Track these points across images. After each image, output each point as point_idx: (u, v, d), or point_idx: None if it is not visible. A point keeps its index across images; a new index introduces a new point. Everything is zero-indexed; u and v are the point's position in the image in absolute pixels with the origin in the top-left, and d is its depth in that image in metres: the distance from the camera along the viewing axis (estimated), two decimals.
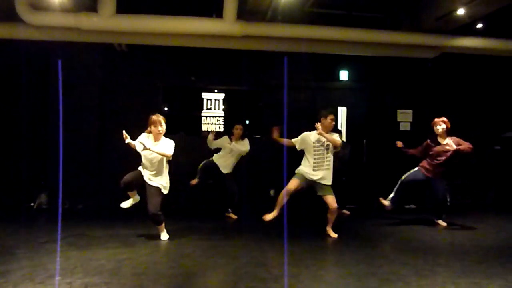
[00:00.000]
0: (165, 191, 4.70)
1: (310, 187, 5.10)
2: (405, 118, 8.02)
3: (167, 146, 4.61)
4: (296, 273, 3.57)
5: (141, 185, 4.69)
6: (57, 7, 5.46)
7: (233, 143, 6.18)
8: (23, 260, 3.84)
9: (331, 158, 5.08)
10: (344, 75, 7.95)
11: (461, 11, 5.95)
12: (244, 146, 6.18)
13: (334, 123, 5.22)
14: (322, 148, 5.05)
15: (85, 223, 5.62)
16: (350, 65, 7.88)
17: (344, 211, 6.64)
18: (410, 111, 8.03)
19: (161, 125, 4.60)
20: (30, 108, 6.94)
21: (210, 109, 7.53)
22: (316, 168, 5.01)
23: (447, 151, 5.70)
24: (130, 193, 4.83)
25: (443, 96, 8.10)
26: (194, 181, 6.18)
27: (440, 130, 5.79)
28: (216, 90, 7.57)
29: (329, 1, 6.65)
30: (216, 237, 4.95)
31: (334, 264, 4.13)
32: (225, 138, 6.29)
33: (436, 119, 5.88)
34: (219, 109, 7.56)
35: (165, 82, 7.43)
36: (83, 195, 6.83)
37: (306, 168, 5.06)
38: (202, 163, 6.24)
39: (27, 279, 3.30)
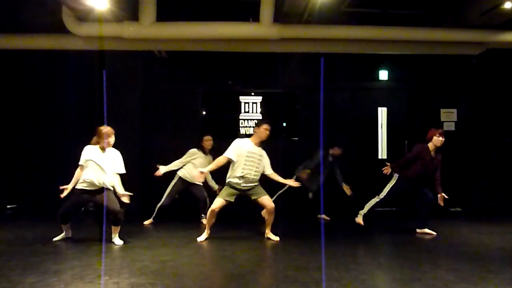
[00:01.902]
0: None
1: (241, 196, 4.98)
2: (449, 117, 7.72)
3: (118, 160, 4.83)
4: (338, 277, 3.52)
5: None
6: (101, 18, 5.70)
7: (207, 156, 6.00)
8: (73, 260, 4.02)
9: (260, 170, 4.96)
10: (383, 74, 7.77)
11: (508, 5, 5.68)
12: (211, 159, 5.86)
13: (268, 133, 5.00)
14: (255, 159, 4.90)
15: (128, 225, 5.80)
16: (390, 65, 7.70)
17: (324, 216, 6.52)
18: (455, 111, 7.73)
19: (109, 136, 4.77)
20: (76, 115, 7.28)
21: (248, 112, 7.60)
22: (245, 179, 4.87)
23: (437, 166, 5.28)
24: (64, 226, 4.85)
25: (488, 94, 7.74)
26: (148, 222, 5.99)
27: (441, 142, 5.27)
28: (253, 93, 7.62)
29: (366, 0, 6.55)
30: (255, 240, 4.97)
31: (377, 268, 4.03)
32: (194, 151, 6.01)
33: (437, 130, 5.34)
34: (256, 112, 7.61)
35: (204, 86, 7.58)
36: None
37: (234, 179, 4.90)
38: (166, 199, 5.99)
39: (77, 278, 3.46)
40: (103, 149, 4.79)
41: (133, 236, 5.08)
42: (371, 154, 7.67)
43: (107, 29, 5.88)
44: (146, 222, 5.98)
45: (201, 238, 4.93)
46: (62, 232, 4.90)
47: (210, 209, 4.90)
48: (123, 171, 4.85)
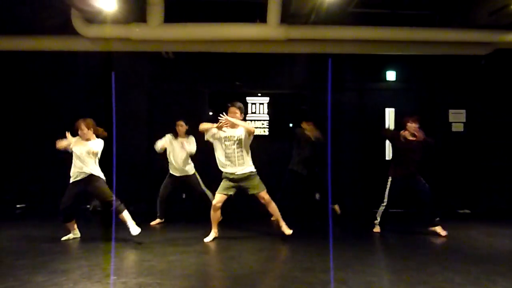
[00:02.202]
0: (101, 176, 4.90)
1: (239, 190, 4.92)
2: (457, 118, 7.65)
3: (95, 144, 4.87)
4: (345, 279, 3.51)
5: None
6: (109, 19, 5.75)
7: (179, 139, 5.92)
8: (81, 259, 4.06)
9: (242, 153, 4.85)
10: (391, 75, 7.73)
11: None
12: (191, 144, 5.86)
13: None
14: (232, 142, 4.83)
15: (136, 225, 5.83)
16: (397, 65, 7.65)
17: (336, 207, 6.54)
18: (463, 111, 7.66)
19: (80, 128, 4.89)
20: (84, 116, 7.31)
21: (255, 113, 7.60)
22: (229, 165, 4.83)
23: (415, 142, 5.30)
24: (68, 225, 4.95)
25: (497, 94, 7.67)
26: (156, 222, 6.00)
27: (413, 128, 5.33)
28: (260, 94, 7.63)
29: (373, 0, 6.51)
30: (262, 241, 4.97)
31: (384, 270, 4.01)
32: (168, 136, 5.97)
33: (410, 117, 5.43)
34: (264, 113, 7.61)
35: (211, 87, 7.60)
36: (133, 199, 7.11)
37: (222, 169, 4.88)
38: (161, 195, 6.01)
39: (85, 278, 3.49)
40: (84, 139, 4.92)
41: (140, 236, 5.10)
42: (378, 155, 7.63)
43: (115, 30, 5.93)
44: (153, 223, 6.00)
45: (208, 238, 4.93)
46: (69, 232, 4.95)
47: (212, 205, 4.90)
48: (95, 149, 4.85)
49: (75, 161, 4.86)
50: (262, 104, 7.63)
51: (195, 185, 6.02)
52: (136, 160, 7.29)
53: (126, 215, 4.85)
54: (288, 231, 4.94)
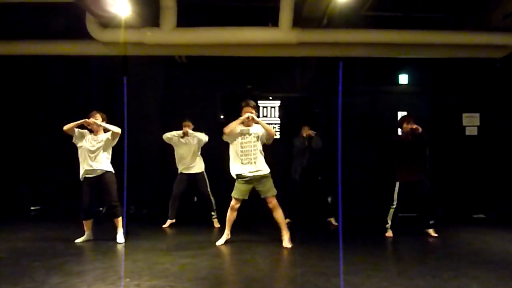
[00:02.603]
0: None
1: (253, 191, 4.84)
2: (471, 122, 7.57)
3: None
4: (358, 283, 3.49)
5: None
6: (123, 24, 5.82)
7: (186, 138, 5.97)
8: (95, 262, 4.10)
9: (259, 150, 4.79)
10: (403, 78, 7.68)
11: None
12: (198, 134, 5.95)
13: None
14: (249, 138, 4.78)
15: (149, 227, 5.89)
16: (410, 68, 7.60)
17: (332, 219, 6.45)
18: (477, 115, 7.57)
19: (95, 118, 4.98)
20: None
21: (266, 116, 7.61)
22: (246, 162, 4.75)
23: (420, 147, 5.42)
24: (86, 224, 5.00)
25: None
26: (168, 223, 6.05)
27: (408, 128, 5.44)
28: (271, 98, 7.64)
29: (386, 3, 6.49)
30: (274, 245, 4.95)
31: (398, 275, 3.97)
32: (178, 133, 6.03)
33: (405, 118, 5.58)
34: (275, 117, 7.62)
35: (223, 91, 7.63)
36: (147, 201, 7.17)
37: (237, 169, 4.79)
38: (174, 194, 6.09)
39: (99, 280, 3.52)
40: (95, 133, 4.99)
41: (153, 239, 5.14)
42: (390, 159, 7.56)
43: (129, 35, 6.00)
44: (165, 225, 6.03)
45: (220, 241, 4.92)
46: (84, 234, 5.01)
47: (230, 206, 4.86)
48: (116, 129, 4.95)
49: (85, 158, 4.91)
50: (274, 107, 7.64)
51: (202, 185, 6.06)
52: (148, 163, 7.34)
53: (120, 221, 4.94)
54: (288, 244, 4.77)
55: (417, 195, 5.46)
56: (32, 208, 7.45)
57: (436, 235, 5.45)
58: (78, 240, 4.96)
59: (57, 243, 4.85)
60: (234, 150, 4.85)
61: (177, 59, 7.19)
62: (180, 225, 6.08)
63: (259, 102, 7.61)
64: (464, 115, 7.59)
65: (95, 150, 4.92)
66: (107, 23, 5.91)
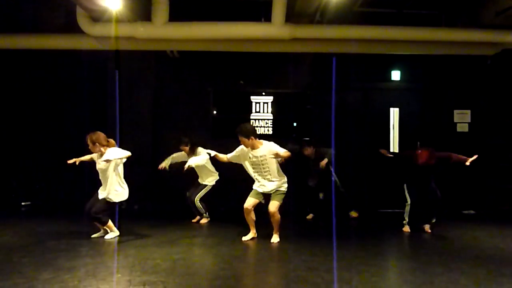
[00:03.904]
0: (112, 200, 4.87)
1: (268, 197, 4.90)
2: (462, 119, 7.63)
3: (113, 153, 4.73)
4: (348, 279, 3.51)
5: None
6: (115, 18, 5.76)
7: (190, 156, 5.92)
8: (86, 257, 4.08)
9: (270, 168, 4.80)
10: (396, 75, 7.71)
11: None
12: (198, 156, 5.83)
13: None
14: (257, 161, 4.82)
15: (140, 223, 5.87)
16: (402, 65, 7.64)
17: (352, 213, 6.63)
18: (468, 112, 7.63)
19: (87, 144, 4.84)
20: (89, 113, 7.37)
21: (259, 112, 7.60)
22: (259, 180, 4.86)
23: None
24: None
25: (503, 95, 7.63)
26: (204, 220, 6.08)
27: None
28: (264, 93, 7.63)
29: (378, 0, 6.50)
30: (266, 240, 4.97)
31: (388, 270, 4.01)
32: (182, 154, 6.08)
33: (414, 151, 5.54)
34: (267, 112, 7.61)
35: (215, 86, 7.61)
36: (138, 196, 7.14)
37: (255, 183, 4.93)
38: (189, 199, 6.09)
39: (90, 275, 3.50)
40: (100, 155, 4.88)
41: (144, 235, 5.13)
42: (382, 155, 7.60)
43: (120, 29, 5.94)
44: (202, 222, 6.04)
45: (247, 237, 4.95)
46: (99, 230, 5.01)
47: (244, 209, 4.85)
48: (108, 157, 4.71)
49: (101, 178, 4.91)
50: (266, 103, 7.63)
51: (195, 192, 6.04)
52: (141, 158, 7.29)
53: (110, 226, 4.96)
54: (275, 239, 4.86)
55: (425, 197, 5.51)
56: (23, 203, 7.38)
57: (430, 231, 5.51)
58: (94, 235, 4.97)
59: (48, 239, 4.81)
60: (249, 170, 4.94)
61: (169, 54, 7.14)
62: (171, 220, 6.07)
63: (251, 97, 7.61)
64: (455, 111, 7.66)
65: (105, 172, 4.84)
66: (98, 17, 5.84)
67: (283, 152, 4.65)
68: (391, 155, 5.84)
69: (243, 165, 4.96)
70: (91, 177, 6.60)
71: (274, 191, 4.83)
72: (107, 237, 4.90)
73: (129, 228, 5.38)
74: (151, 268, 3.74)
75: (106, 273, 3.56)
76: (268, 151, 4.73)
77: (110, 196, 4.84)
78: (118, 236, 4.95)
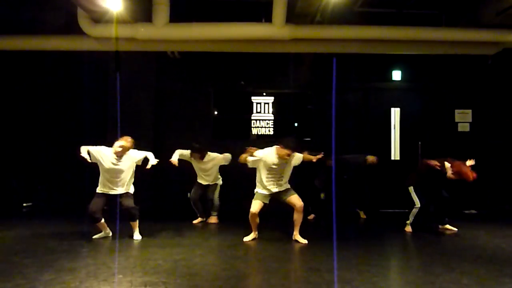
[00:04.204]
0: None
1: (274, 199, 4.94)
2: (463, 118, 7.62)
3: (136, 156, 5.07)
4: (350, 279, 3.51)
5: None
6: (115, 19, 5.76)
7: (204, 161, 6.07)
8: (87, 258, 4.08)
9: (286, 175, 4.92)
10: (396, 75, 7.71)
11: None
12: (214, 159, 6.07)
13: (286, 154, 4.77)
14: (276, 168, 4.84)
15: (141, 224, 5.86)
16: (403, 65, 7.64)
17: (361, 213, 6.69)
18: (469, 111, 7.63)
19: (127, 141, 4.98)
20: (90, 114, 7.39)
21: (260, 112, 7.61)
22: (271, 184, 4.88)
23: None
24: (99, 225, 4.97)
25: (504, 94, 7.62)
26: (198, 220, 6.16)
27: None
28: (265, 94, 7.63)
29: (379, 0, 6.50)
30: (267, 241, 4.97)
31: (389, 270, 4.01)
32: (187, 155, 6.10)
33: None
34: (268, 113, 7.62)
35: (216, 87, 7.61)
36: (139, 197, 7.13)
37: (262, 187, 4.91)
38: (193, 199, 6.15)
39: (91, 276, 3.51)
40: (117, 155, 4.92)
41: (146, 235, 5.13)
42: (383, 155, 7.61)
43: (121, 30, 5.95)
44: (195, 221, 6.13)
45: (246, 238, 4.96)
46: (100, 231, 5.01)
47: (250, 212, 4.86)
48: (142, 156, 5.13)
49: (107, 177, 4.89)
50: (267, 103, 7.63)
51: (212, 191, 6.17)
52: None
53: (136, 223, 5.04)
54: (302, 240, 4.90)
55: (436, 194, 5.54)
56: (24, 204, 7.40)
57: (455, 229, 5.60)
58: (96, 236, 4.98)
59: (49, 240, 4.82)
60: (262, 175, 4.89)
61: (170, 54, 7.14)
62: (171, 220, 6.07)
63: (252, 98, 7.61)
64: (456, 111, 7.65)
65: (121, 173, 4.91)
66: (99, 18, 5.85)
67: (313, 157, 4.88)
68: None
69: (257, 168, 4.92)
70: (92, 178, 6.61)
71: (283, 189, 4.90)
72: (136, 237, 4.96)
73: (130, 229, 5.37)
74: (152, 268, 3.75)
75: (107, 274, 3.56)
76: (295, 160, 4.88)
77: (131, 190, 5.03)
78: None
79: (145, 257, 4.14)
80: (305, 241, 4.85)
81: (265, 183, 4.87)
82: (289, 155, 4.73)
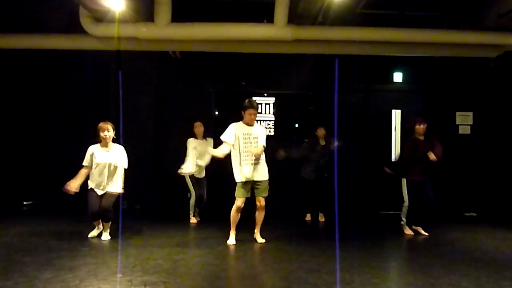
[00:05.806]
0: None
1: (251, 189, 4.80)
2: (464, 121, 7.62)
3: (121, 155, 4.89)
4: (350, 280, 3.51)
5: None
6: (117, 18, 5.76)
7: (199, 141, 5.98)
8: (87, 257, 4.09)
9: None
10: (398, 77, 7.71)
11: None
12: (210, 145, 5.89)
13: (253, 117, 4.75)
14: (250, 137, 4.72)
15: (142, 223, 5.88)
16: (404, 67, 7.63)
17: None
18: (470, 114, 7.62)
19: (107, 130, 4.80)
20: (92, 114, 7.38)
21: (261, 113, 7.60)
22: (245, 163, 4.68)
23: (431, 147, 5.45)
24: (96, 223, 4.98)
25: (505, 97, 7.61)
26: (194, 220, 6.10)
27: (422, 129, 5.54)
28: (266, 94, 7.63)
29: (381, 1, 6.49)
30: (267, 241, 4.96)
31: (389, 272, 4.01)
32: (191, 140, 6.01)
33: (417, 118, 5.64)
34: (269, 113, 7.62)
35: (217, 87, 7.61)
36: (140, 196, 7.16)
37: (238, 170, 4.72)
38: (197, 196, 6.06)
39: (91, 275, 3.51)
40: (106, 146, 4.88)
41: (146, 235, 5.13)
42: (384, 157, 7.61)
43: (123, 29, 5.95)
44: (193, 221, 6.07)
45: (231, 241, 4.83)
46: (94, 227, 5.02)
47: (236, 207, 4.77)
48: (125, 165, 4.95)
49: (98, 173, 4.85)
50: (268, 104, 7.63)
51: (204, 187, 6.14)
52: (143, 158, 7.31)
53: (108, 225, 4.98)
54: (260, 239, 4.91)
55: (423, 194, 5.45)
56: (24, 203, 7.40)
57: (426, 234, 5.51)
58: (90, 234, 4.98)
59: (49, 239, 4.83)
60: (237, 152, 4.73)
61: (172, 54, 7.15)
62: (172, 220, 6.07)
63: (253, 99, 7.59)
64: (457, 113, 7.64)
65: (110, 167, 4.85)
66: (101, 17, 5.86)
67: (260, 147, 4.65)
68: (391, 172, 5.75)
69: (234, 145, 4.74)
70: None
71: (261, 181, 4.75)
72: (104, 238, 4.89)
73: (131, 228, 5.39)
74: (152, 268, 3.75)
75: (107, 273, 3.57)
76: (262, 133, 4.80)
77: (117, 190, 4.89)
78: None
79: (145, 256, 4.14)
80: (262, 240, 4.85)
81: (243, 163, 4.68)
82: (255, 114, 4.72)
